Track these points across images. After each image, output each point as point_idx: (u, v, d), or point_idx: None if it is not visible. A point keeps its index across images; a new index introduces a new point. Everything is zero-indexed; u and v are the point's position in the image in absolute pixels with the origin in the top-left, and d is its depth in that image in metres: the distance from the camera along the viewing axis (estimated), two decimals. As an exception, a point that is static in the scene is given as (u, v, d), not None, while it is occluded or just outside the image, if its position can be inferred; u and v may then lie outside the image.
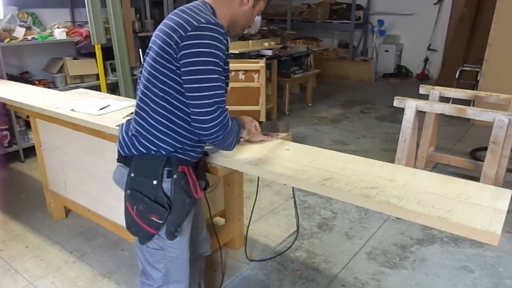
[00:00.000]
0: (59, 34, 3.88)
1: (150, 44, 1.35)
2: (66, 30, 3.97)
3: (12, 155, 3.76)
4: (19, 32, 3.65)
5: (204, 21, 1.23)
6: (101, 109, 2.15)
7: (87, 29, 3.98)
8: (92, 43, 3.93)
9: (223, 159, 1.54)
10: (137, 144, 1.35)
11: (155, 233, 1.37)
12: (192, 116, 1.28)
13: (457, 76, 5.37)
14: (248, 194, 2.75)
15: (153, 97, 1.30)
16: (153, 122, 1.32)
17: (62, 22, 4.30)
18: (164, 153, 1.33)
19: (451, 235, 2.53)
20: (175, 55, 1.24)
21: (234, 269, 2.27)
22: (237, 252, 2.41)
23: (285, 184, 2.87)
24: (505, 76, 4.49)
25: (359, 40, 8.29)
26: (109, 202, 2.23)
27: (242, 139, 1.58)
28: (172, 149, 1.33)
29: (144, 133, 1.33)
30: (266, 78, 4.49)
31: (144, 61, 1.37)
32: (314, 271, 2.25)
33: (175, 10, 1.33)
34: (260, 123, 1.69)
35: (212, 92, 1.24)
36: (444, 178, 1.38)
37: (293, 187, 1.77)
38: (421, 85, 3.44)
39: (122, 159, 1.41)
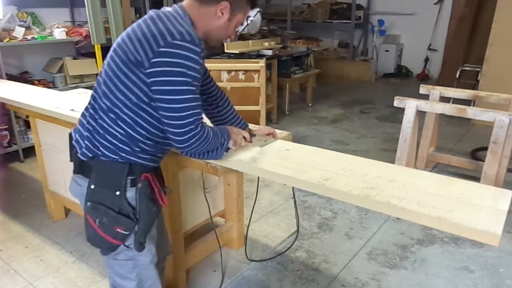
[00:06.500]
0: (59, 34, 3.88)
1: (114, 47, 1.29)
2: (66, 30, 3.97)
3: (11, 155, 3.75)
4: (19, 32, 3.64)
5: (179, 37, 1.18)
6: (101, 109, 2.14)
7: (87, 29, 3.97)
8: (92, 43, 3.92)
9: (223, 159, 1.53)
10: (103, 149, 1.29)
11: (120, 244, 1.32)
12: (166, 128, 1.27)
13: (457, 76, 5.36)
14: (248, 194, 2.74)
15: (124, 100, 1.26)
16: (123, 126, 1.28)
17: (62, 22, 4.30)
18: (128, 156, 1.30)
19: (451, 235, 2.52)
20: (142, 66, 1.20)
21: (234, 269, 2.26)
22: (237, 252, 2.40)
23: (285, 184, 2.86)
24: (506, 76, 4.48)
25: (359, 40, 8.29)
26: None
27: (230, 149, 1.53)
28: (141, 150, 1.32)
29: (110, 137, 1.29)
30: (266, 78, 4.48)
31: (106, 65, 1.30)
32: (314, 271, 2.24)
33: (151, 14, 1.28)
34: (254, 135, 1.67)
35: (184, 107, 1.23)
36: (445, 178, 1.37)
37: (293, 187, 1.77)
38: (421, 85, 3.43)
39: (80, 169, 1.36)
